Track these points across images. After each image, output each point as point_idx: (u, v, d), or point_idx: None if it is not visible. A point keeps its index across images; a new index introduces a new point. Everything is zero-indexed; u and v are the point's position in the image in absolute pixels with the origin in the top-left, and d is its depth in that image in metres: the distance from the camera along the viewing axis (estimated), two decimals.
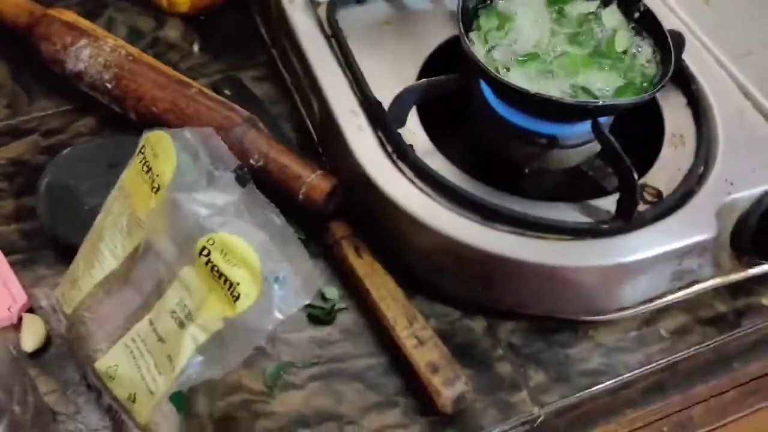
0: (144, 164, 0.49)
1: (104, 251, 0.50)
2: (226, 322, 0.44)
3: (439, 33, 0.65)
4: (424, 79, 0.56)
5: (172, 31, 0.73)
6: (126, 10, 0.74)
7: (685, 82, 0.63)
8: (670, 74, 0.54)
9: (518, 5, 0.59)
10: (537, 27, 0.58)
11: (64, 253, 0.57)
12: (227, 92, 0.68)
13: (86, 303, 0.50)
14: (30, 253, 0.58)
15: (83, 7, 0.74)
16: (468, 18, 0.57)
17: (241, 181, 0.47)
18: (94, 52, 0.64)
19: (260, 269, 0.44)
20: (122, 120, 0.64)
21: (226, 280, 0.44)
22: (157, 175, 0.48)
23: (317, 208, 0.59)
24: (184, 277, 0.46)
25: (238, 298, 0.44)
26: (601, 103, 0.53)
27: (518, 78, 0.55)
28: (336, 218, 0.59)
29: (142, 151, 0.49)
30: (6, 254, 0.57)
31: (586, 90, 0.54)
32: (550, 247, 0.53)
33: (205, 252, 0.45)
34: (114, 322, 0.49)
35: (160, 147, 0.48)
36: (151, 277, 0.48)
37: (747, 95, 0.63)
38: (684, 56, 0.63)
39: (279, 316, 0.44)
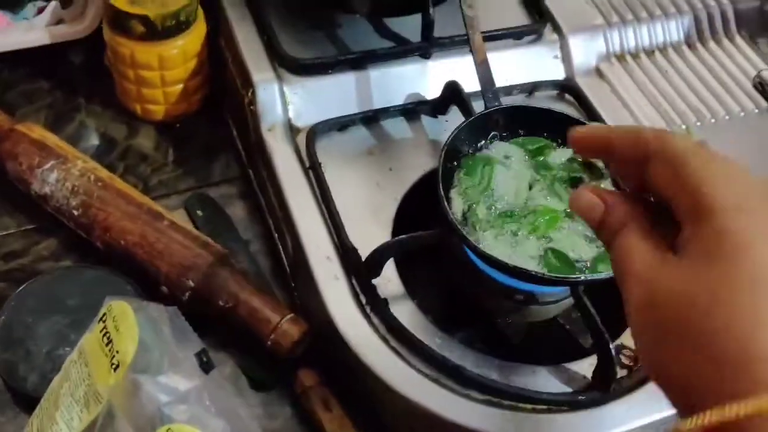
0: (105, 335, 0.46)
1: (60, 422, 0.47)
2: None
3: (420, 164, 0.64)
4: (403, 236, 0.55)
5: (146, 141, 0.71)
6: (98, 115, 0.72)
7: None
8: None
9: (500, 157, 0.58)
10: (517, 180, 0.57)
11: (18, 399, 0.55)
12: (199, 212, 0.66)
13: None
14: None
15: (53, 110, 0.72)
16: (448, 174, 0.56)
17: (204, 366, 0.45)
18: (61, 175, 0.61)
19: None
20: (88, 244, 0.62)
21: None
22: (118, 351, 0.45)
23: (286, 354, 0.57)
24: None
25: None
26: (582, 278, 0.52)
27: (492, 239, 0.54)
28: (306, 363, 0.58)
29: (104, 319, 0.47)
30: None
31: (558, 254, 0.53)
32: (525, 421, 0.52)
33: None
34: None
35: (123, 322, 0.46)
36: None
37: None
38: None
39: None
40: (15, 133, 0.63)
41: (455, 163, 0.57)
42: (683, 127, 0.70)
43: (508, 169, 0.57)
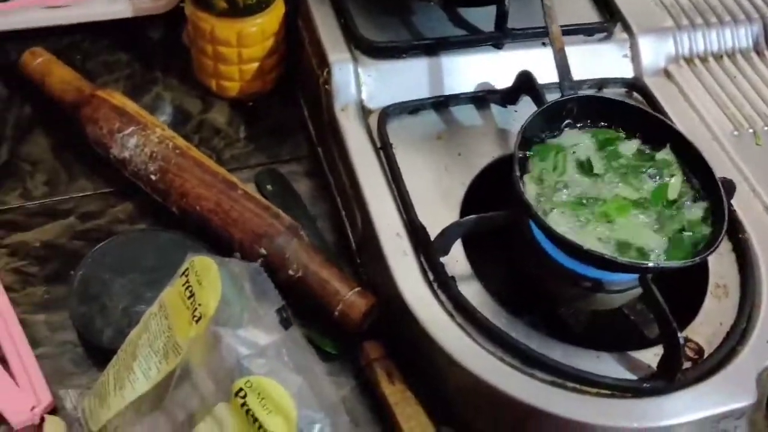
0: (187, 288, 0.48)
1: (137, 371, 0.49)
2: None
3: (488, 151, 0.65)
4: (474, 216, 0.56)
5: (219, 116, 0.73)
6: (174, 88, 0.74)
7: (733, 228, 0.62)
8: (721, 238, 0.53)
9: (571, 145, 0.58)
10: (588, 169, 0.57)
11: (92, 353, 0.57)
12: (269, 187, 0.68)
13: (114, 423, 0.49)
14: (56, 347, 0.57)
15: (131, 81, 0.74)
16: (523, 157, 0.56)
17: (284, 323, 0.46)
18: (141, 141, 0.63)
19: (296, 419, 0.43)
20: (162, 209, 0.64)
21: (260, 426, 0.43)
22: (200, 305, 0.47)
23: (353, 326, 0.58)
24: (218, 413, 0.45)
25: None
26: (652, 265, 0.52)
27: (564, 221, 0.54)
28: (370, 337, 0.59)
29: (186, 274, 0.48)
30: (32, 346, 0.56)
31: (627, 243, 0.54)
32: (589, 403, 0.52)
33: (242, 394, 0.44)
34: None
35: (206, 276, 0.47)
36: (184, 407, 0.47)
37: None
38: (733, 201, 0.62)
39: None
40: (96, 98, 0.65)
41: (527, 149, 0.58)
42: (750, 131, 0.70)
43: (580, 158, 0.58)
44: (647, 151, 0.59)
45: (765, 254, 0.61)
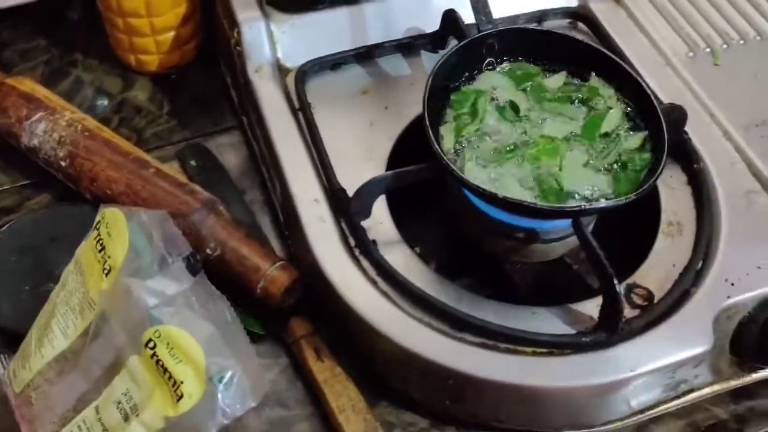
0: (98, 241, 0.46)
1: (55, 329, 0.47)
2: (168, 422, 0.42)
3: (418, 102, 0.59)
4: (390, 171, 0.51)
5: (141, 92, 0.69)
6: (94, 69, 0.70)
7: (687, 158, 0.57)
8: (659, 174, 0.48)
9: (489, 88, 0.54)
10: (511, 110, 0.53)
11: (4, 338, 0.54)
12: (192, 162, 0.64)
13: (35, 383, 0.47)
14: None
15: (49, 67, 0.70)
16: (436, 107, 0.52)
17: (191, 269, 0.45)
18: (49, 126, 0.60)
19: (206, 367, 0.42)
20: (79, 198, 0.60)
21: (170, 376, 0.42)
22: (109, 257, 0.45)
23: (276, 302, 0.54)
24: (132, 367, 0.44)
25: (180, 397, 0.42)
26: (579, 207, 0.47)
27: (486, 171, 0.50)
28: (297, 313, 0.55)
29: (98, 227, 0.47)
30: None
31: (563, 188, 0.49)
32: (523, 363, 0.48)
33: (151, 344, 0.43)
34: (63, 405, 0.46)
35: (115, 227, 0.46)
36: (99, 363, 0.45)
37: (757, 176, 0.57)
38: (688, 128, 0.57)
39: (222, 420, 0.41)
40: (4, 86, 0.62)
41: (445, 99, 0.54)
42: (707, 50, 0.64)
43: (500, 101, 0.53)
44: (577, 83, 0.54)
45: (724, 185, 0.56)
